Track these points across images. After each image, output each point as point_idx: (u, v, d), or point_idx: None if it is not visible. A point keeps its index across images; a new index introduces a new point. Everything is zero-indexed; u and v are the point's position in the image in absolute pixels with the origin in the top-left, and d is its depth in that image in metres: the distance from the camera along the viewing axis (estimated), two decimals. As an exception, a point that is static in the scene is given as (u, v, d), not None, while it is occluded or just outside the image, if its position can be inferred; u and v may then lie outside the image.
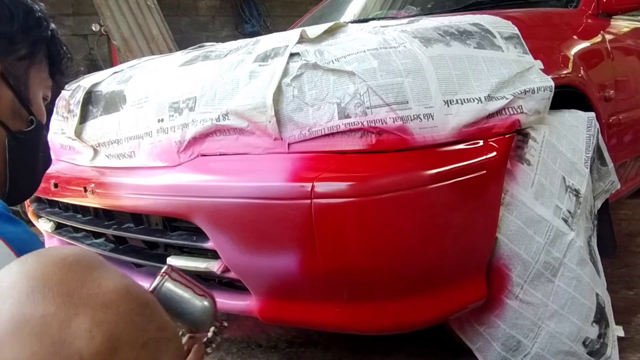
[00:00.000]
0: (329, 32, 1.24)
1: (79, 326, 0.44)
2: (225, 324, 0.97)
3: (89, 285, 0.47)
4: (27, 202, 1.83)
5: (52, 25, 0.86)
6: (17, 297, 0.44)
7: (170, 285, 0.90)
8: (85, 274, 0.48)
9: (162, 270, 0.91)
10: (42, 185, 1.63)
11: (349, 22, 1.42)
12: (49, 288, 0.45)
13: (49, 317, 0.44)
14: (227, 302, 1.24)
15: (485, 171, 1.09)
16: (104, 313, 0.46)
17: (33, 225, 1.87)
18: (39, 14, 0.81)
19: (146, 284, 0.96)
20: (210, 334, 0.96)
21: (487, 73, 1.13)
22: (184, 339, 0.91)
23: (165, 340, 0.51)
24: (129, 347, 0.46)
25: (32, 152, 0.82)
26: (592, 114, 1.37)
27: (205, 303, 0.93)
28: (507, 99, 1.12)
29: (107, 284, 0.48)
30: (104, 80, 1.53)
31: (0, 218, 0.60)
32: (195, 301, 0.92)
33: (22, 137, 0.78)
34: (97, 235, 1.55)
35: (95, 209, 1.48)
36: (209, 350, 0.94)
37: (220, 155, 1.20)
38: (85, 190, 1.41)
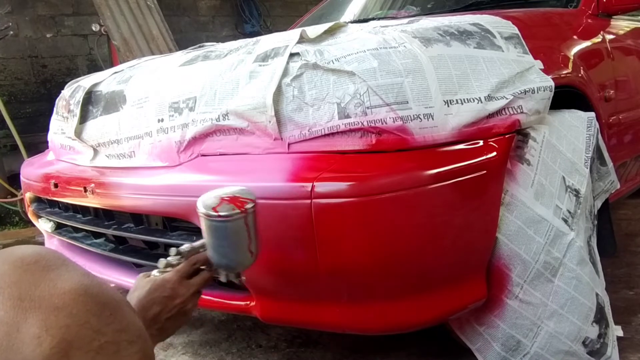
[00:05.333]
0: (329, 32, 1.24)
1: (27, 331, 0.42)
2: (244, 278, 0.95)
3: (43, 287, 0.45)
4: (27, 202, 1.83)
5: None
6: None
7: (238, 225, 0.86)
8: (41, 274, 0.46)
9: (245, 207, 0.86)
10: (42, 185, 1.64)
11: (349, 22, 1.42)
12: (0, 291, 0.44)
13: None
14: (227, 302, 1.24)
15: (485, 171, 1.09)
16: (55, 316, 0.43)
17: (34, 225, 1.87)
18: None
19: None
20: (223, 273, 0.94)
21: (487, 73, 1.13)
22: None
23: (126, 343, 0.47)
24: (82, 352, 0.44)
25: None
26: (592, 114, 1.37)
27: (250, 259, 0.91)
28: (507, 99, 1.12)
29: (64, 284, 0.46)
30: (104, 80, 1.53)
31: None
32: (243, 252, 0.89)
33: None
34: (97, 235, 1.55)
35: (95, 209, 1.48)
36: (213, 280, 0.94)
37: (220, 155, 1.20)
38: (85, 190, 1.41)
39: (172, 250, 0.93)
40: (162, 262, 0.93)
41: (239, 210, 0.85)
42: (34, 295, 0.44)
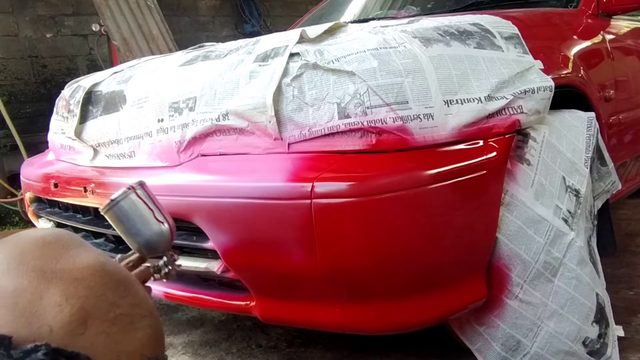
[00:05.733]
0: (329, 32, 1.24)
1: (49, 299, 0.46)
2: (176, 257, 1.01)
3: (63, 261, 0.48)
4: (27, 202, 1.83)
5: None
6: None
7: (131, 200, 0.95)
8: (61, 251, 0.49)
9: (130, 184, 0.94)
10: (42, 185, 1.64)
11: (349, 22, 1.42)
12: (24, 264, 0.47)
13: (21, 290, 0.45)
14: (227, 302, 1.24)
15: (485, 171, 1.09)
16: (74, 287, 0.47)
17: (34, 225, 1.87)
18: None
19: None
20: (160, 262, 0.99)
21: (487, 73, 1.13)
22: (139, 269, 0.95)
23: (139, 316, 0.51)
24: (99, 320, 0.47)
25: None
26: (592, 114, 1.37)
27: (162, 228, 0.98)
28: (507, 99, 1.12)
29: (82, 260, 0.50)
30: (104, 80, 1.53)
31: None
32: (151, 223, 0.96)
33: None
34: (97, 235, 1.55)
35: (95, 209, 1.48)
36: (156, 276, 0.98)
37: (220, 155, 1.20)
38: (85, 190, 1.41)
39: None
40: None
41: (125, 189, 0.95)
42: (55, 268, 0.47)
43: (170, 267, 1.00)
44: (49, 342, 0.43)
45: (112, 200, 0.94)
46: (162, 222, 0.97)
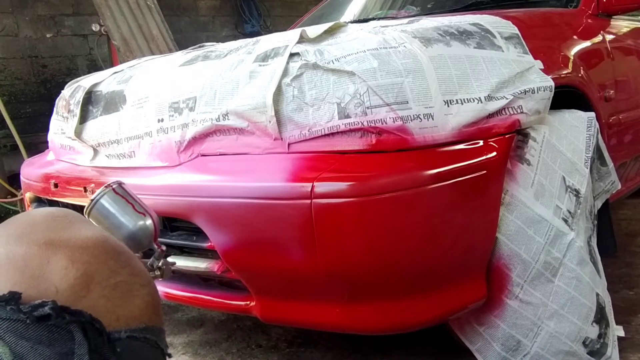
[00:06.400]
0: (329, 32, 1.24)
1: (56, 263, 0.50)
2: (164, 247, 1.02)
3: (70, 232, 0.54)
4: (27, 202, 1.83)
5: None
6: (7, 239, 0.52)
7: (110, 198, 0.98)
8: (69, 224, 0.55)
9: (108, 183, 0.97)
10: (42, 185, 1.64)
11: (349, 22, 1.42)
12: (35, 233, 0.52)
13: (31, 254, 0.50)
14: (227, 302, 1.24)
15: (485, 171, 1.09)
16: (80, 253, 0.52)
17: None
18: None
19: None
20: (150, 259, 1.00)
21: (487, 73, 1.13)
22: None
23: (138, 285, 0.55)
24: (101, 285, 0.51)
25: None
26: (592, 114, 1.37)
27: (145, 221, 1.00)
28: (507, 99, 1.12)
29: (87, 232, 0.55)
30: (104, 80, 1.53)
31: None
32: (133, 216, 0.99)
33: None
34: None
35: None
36: (151, 274, 0.99)
37: (220, 155, 1.20)
38: (85, 190, 1.41)
39: None
40: None
41: (103, 187, 0.98)
42: (62, 237, 0.52)
43: (161, 262, 1.01)
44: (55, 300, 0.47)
45: (92, 200, 0.97)
46: (144, 214, 1.00)
